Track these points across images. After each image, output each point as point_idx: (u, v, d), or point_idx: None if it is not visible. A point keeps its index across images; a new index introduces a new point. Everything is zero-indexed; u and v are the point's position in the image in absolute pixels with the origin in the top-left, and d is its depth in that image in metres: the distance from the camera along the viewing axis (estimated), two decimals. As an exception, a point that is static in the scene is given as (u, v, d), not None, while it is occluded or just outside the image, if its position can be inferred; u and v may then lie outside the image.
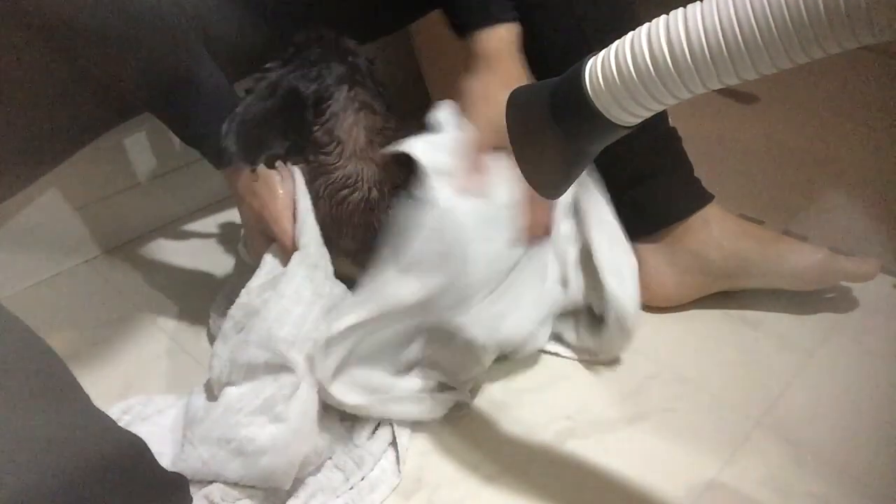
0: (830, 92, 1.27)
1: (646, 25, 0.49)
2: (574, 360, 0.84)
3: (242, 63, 0.80)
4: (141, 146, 1.02)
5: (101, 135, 0.88)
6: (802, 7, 0.41)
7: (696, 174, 0.89)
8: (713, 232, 0.86)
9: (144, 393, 0.81)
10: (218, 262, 1.00)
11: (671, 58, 0.47)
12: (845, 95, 1.27)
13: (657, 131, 0.85)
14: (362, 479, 0.72)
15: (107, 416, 0.57)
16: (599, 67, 0.51)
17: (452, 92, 0.81)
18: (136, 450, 0.58)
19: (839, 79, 1.27)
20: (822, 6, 0.41)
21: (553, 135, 0.55)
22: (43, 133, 0.77)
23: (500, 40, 0.78)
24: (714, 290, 0.88)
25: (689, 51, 0.46)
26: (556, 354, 0.85)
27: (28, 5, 0.63)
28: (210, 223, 1.07)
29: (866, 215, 1.01)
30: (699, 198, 0.87)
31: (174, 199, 1.07)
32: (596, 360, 0.83)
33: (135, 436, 0.58)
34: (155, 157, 1.04)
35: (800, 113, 1.23)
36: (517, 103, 0.59)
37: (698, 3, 0.46)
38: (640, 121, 0.53)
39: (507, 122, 0.60)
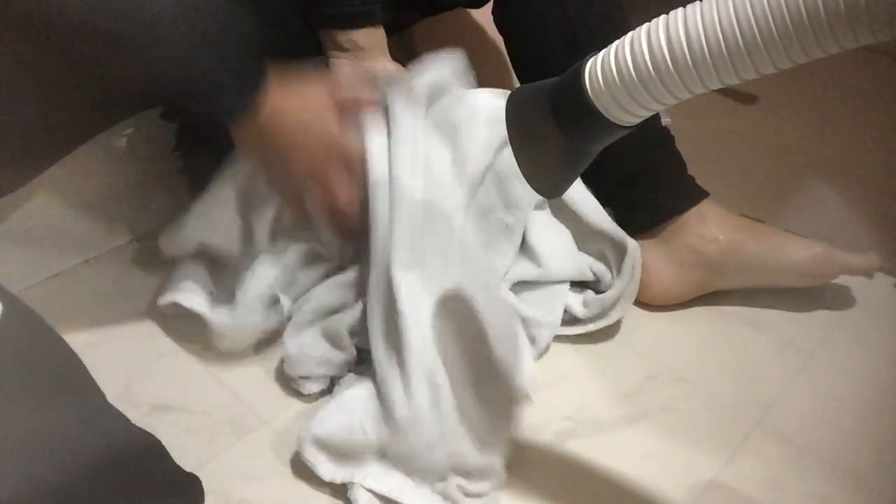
0: (830, 92, 1.27)
1: (646, 25, 0.49)
2: (588, 330, 0.85)
3: None
4: (141, 145, 1.02)
5: (98, 133, 0.88)
6: (802, 7, 0.41)
7: (696, 174, 0.89)
8: (710, 226, 0.86)
9: (144, 393, 0.81)
10: (218, 262, 0.99)
11: (671, 58, 0.47)
12: (845, 95, 1.27)
13: (648, 130, 0.85)
14: None
15: (121, 412, 0.57)
16: (599, 67, 0.51)
17: None
18: (150, 447, 0.58)
19: (839, 79, 1.26)
20: (821, 6, 0.41)
21: (553, 135, 0.55)
22: (38, 131, 0.77)
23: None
24: (713, 287, 0.88)
25: (689, 51, 0.46)
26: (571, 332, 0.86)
27: (38, 10, 0.62)
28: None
29: (866, 215, 1.01)
30: (694, 194, 0.88)
31: (174, 199, 1.07)
32: (607, 321, 0.84)
33: (149, 434, 0.58)
34: (155, 156, 1.04)
35: (800, 113, 1.23)
36: (517, 103, 0.59)
37: (698, 3, 0.46)
38: (640, 120, 0.53)
39: (506, 121, 0.60)
